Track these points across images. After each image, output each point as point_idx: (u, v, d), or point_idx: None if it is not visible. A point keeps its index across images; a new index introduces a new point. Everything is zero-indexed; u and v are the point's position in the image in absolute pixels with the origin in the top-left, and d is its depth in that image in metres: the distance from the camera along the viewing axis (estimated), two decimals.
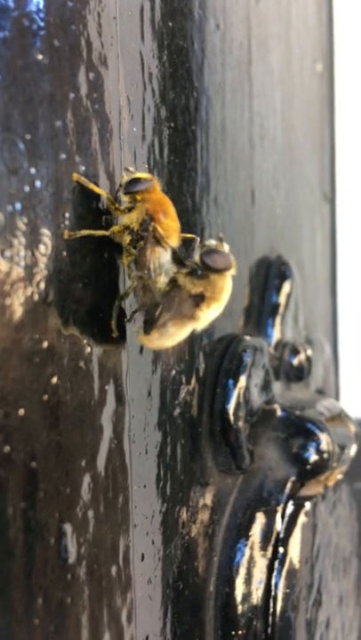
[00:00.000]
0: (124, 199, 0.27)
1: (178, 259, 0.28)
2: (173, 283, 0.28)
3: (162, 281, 0.27)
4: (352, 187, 0.60)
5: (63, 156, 0.25)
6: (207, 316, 0.28)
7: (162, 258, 0.27)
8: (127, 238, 0.27)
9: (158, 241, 0.27)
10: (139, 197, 0.27)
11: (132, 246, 0.27)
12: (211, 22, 0.37)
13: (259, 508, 0.37)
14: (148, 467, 0.31)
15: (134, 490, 0.29)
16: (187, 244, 0.29)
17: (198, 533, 0.35)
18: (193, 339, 0.34)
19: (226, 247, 0.28)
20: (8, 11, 0.23)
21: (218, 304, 0.28)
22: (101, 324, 0.27)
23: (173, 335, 0.28)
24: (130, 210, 0.27)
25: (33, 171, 0.24)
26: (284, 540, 0.37)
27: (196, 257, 0.28)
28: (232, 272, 0.28)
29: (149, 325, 0.27)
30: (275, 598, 0.36)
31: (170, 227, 0.27)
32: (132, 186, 0.27)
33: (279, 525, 0.37)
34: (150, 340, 0.28)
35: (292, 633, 0.37)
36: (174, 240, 0.28)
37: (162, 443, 0.32)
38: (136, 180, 0.27)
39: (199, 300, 0.28)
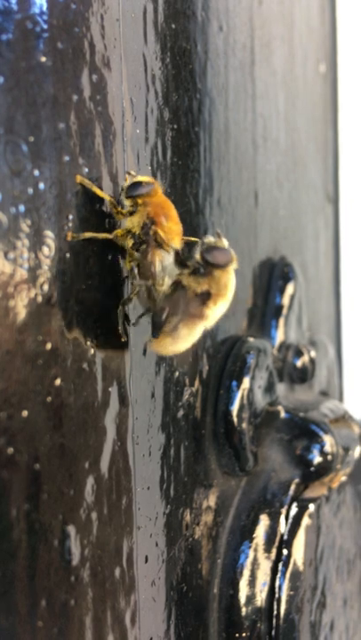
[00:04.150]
0: (126, 203, 0.27)
1: (180, 260, 0.28)
2: (176, 284, 0.28)
3: (166, 283, 0.27)
4: (356, 188, 0.59)
5: (66, 157, 0.25)
6: (215, 313, 0.28)
7: (165, 261, 0.27)
8: (130, 242, 0.27)
9: (160, 244, 0.27)
10: (140, 201, 0.27)
11: (134, 250, 0.27)
12: (214, 24, 0.37)
13: (263, 510, 0.37)
14: (152, 468, 0.31)
15: (138, 492, 0.29)
16: (190, 247, 0.29)
17: (202, 535, 0.35)
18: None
19: (225, 242, 0.28)
20: (11, 13, 0.23)
21: (224, 300, 0.28)
22: (105, 325, 0.27)
23: (186, 337, 0.28)
24: (131, 213, 0.27)
25: (36, 173, 0.24)
26: (288, 542, 0.37)
27: (197, 255, 0.28)
28: (234, 266, 0.28)
29: (157, 330, 0.27)
30: (279, 600, 0.36)
31: (172, 230, 0.27)
32: (133, 190, 0.27)
33: (283, 527, 0.37)
34: (164, 346, 0.28)
35: (297, 635, 0.36)
36: (177, 243, 0.28)
37: (165, 444, 0.32)
38: (137, 184, 0.27)
39: (206, 297, 0.28)
